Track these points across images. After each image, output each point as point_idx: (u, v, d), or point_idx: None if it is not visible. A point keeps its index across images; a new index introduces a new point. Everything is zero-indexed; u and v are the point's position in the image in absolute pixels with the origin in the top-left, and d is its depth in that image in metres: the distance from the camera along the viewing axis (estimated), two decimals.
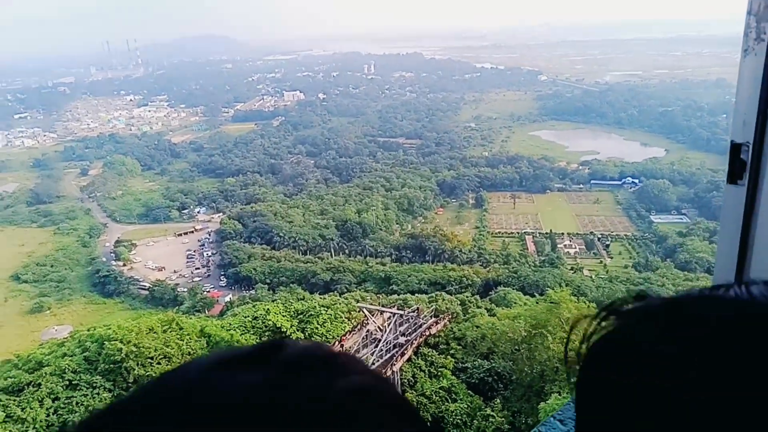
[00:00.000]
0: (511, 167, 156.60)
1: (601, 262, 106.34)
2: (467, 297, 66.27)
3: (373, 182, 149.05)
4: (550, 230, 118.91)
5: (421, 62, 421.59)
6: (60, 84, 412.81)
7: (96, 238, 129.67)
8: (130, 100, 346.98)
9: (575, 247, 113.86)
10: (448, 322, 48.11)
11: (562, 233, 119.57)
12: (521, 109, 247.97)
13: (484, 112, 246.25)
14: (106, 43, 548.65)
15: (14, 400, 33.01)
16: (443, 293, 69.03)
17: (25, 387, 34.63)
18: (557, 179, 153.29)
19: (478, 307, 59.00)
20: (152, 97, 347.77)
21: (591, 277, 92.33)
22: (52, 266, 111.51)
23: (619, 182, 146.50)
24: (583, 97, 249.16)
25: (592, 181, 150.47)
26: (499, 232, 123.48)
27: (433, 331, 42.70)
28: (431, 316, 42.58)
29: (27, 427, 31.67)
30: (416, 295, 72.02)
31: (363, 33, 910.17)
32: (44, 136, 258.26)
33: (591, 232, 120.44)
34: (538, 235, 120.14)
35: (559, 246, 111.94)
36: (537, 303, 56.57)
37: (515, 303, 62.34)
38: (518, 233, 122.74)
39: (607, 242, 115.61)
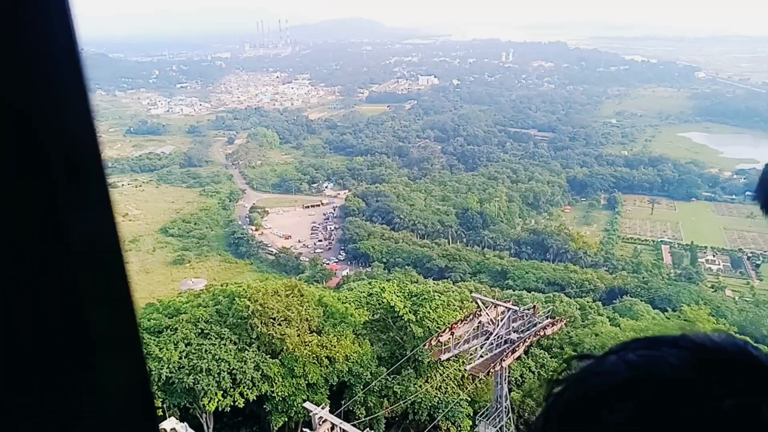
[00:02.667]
0: (653, 169, 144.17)
1: (748, 283, 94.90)
2: (588, 302, 62.64)
3: (498, 172, 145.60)
4: (691, 242, 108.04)
5: (564, 52, 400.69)
6: (218, 58, 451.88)
7: (234, 203, 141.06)
8: (277, 77, 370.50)
9: (719, 264, 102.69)
10: (564, 326, 45.79)
11: (705, 247, 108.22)
12: (672, 107, 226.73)
13: (628, 108, 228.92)
14: (261, 22, 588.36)
15: (154, 340, 37.20)
16: (562, 295, 65.90)
17: (164, 330, 38.88)
18: (706, 187, 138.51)
19: (600, 315, 55.55)
20: (296, 75, 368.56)
21: (734, 298, 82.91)
22: (195, 224, 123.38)
23: None
24: (746, 99, 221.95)
25: (747, 193, 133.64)
26: (632, 238, 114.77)
27: (548, 332, 40.82)
28: (547, 317, 40.74)
29: (162, 365, 35.58)
30: (532, 293, 69.54)
31: (505, 19, 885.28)
32: (200, 105, 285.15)
33: (740, 249, 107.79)
34: (676, 245, 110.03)
35: (699, 260, 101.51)
36: (668, 319, 52.05)
37: (642, 315, 57.91)
38: (653, 241, 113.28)
39: (758, 262, 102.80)
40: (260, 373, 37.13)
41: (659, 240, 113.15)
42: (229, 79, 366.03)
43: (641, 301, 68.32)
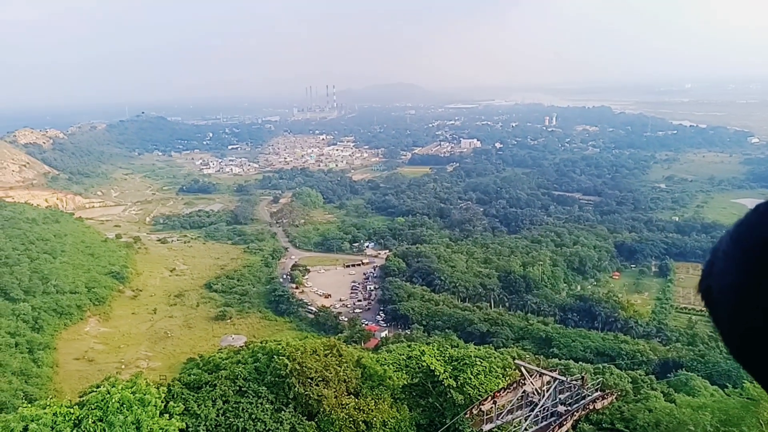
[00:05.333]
0: (706, 236, 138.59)
1: None
2: (640, 375, 59.21)
3: (542, 236, 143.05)
4: None
5: (609, 116, 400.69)
6: (267, 122, 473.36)
7: (277, 260, 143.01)
8: (322, 138, 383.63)
9: None
10: (615, 400, 43.20)
11: None
12: (723, 172, 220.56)
13: (678, 172, 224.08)
14: (309, 88, 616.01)
15: (192, 396, 37.07)
16: (612, 366, 62.56)
17: (203, 386, 38.76)
18: None
19: (653, 389, 52.24)
20: (341, 137, 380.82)
21: None
22: (238, 280, 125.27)
23: None
24: None
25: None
26: (686, 308, 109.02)
27: (598, 406, 38.53)
28: (596, 389, 38.53)
29: (199, 422, 35.22)
30: (580, 363, 66.42)
31: (548, 84, 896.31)
32: (249, 165, 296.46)
33: None
34: None
35: None
36: (728, 396, 48.45)
37: (699, 392, 54.01)
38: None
39: None
40: None
41: None
42: (277, 141, 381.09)
43: (698, 375, 63.98)
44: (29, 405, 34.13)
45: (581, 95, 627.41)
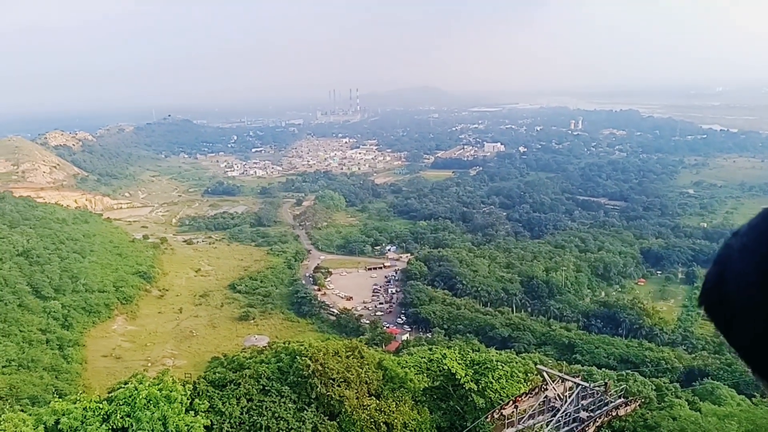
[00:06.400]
0: None
1: None
2: (664, 383, 58.24)
3: (566, 241, 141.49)
4: None
5: (636, 120, 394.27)
6: (291, 125, 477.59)
7: (299, 262, 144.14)
8: (345, 142, 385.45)
9: None
10: (638, 407, 42.70)
11: None
12: (755, 178, 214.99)
13: (707, 178, 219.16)
14: (333, 91, 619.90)
15: (217, 394, 37.79)
16: (636, 373, 61.62)
17: (228, 384, 39.46)
18: None
19: (678, 397, 51.38)
20: (364, 140, 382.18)
21: None
22: (261, 282, 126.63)
23: None
24: None
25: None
26: None
27: (621, 413, 38.18)
28: (619, 396, 38.14)
29: (224, 420, 35.88)
30: (603, 369, 65.65)
31: (574, 88, 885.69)
32: (272, 168, 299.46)
33: None
34: None
35: None
36: (756, 405, 47.47)
37: (725, 401, 52.93)
38: None
39: None
40: None
41: None
42: (300, 144, 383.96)
43: (724, 384, 62.65)
44: (60, 399, 35.25)
45: (608, 98, 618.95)
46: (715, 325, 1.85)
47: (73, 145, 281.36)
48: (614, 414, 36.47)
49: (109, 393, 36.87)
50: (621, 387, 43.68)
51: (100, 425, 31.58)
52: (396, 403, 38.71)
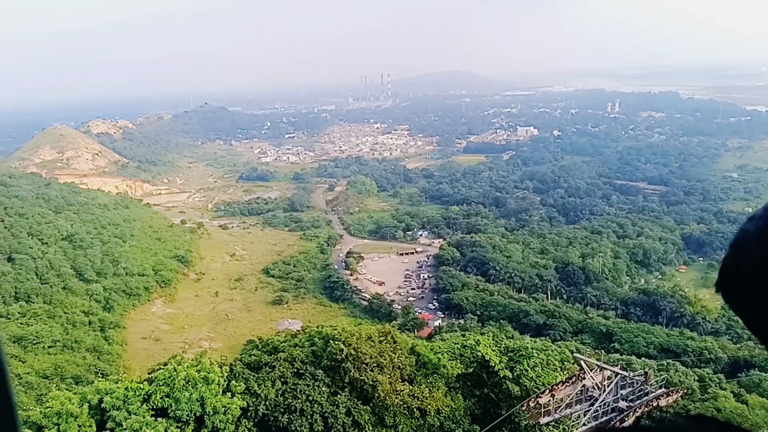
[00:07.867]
0: None
1: None
2: (708, 374, 56.58)
3: (603, 226, 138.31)
4: None
5: (676, 102, 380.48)
6: (323, 111, 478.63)
7: (332, 247, 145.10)
8: (377, 127, 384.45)
9: None
10: (680, 398, 41.46)
11: None
12: None
13: (751, 161, 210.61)
14: (364, 77, 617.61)
15: (253, 376, 38.31)
16: (677, 363, 59.99)
17: (263, 366, 39.96)
18: None
19: (722, 389, 49.83)
20: (396, 126, 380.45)
21: None
22: (294, 266, 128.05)
23: None
24: None
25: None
26: None
27: (662, 403, 37.01)
28: (660, 386, 37.01)
29: (259, 402, 36.37)
30: (642, 358, 64.17)
31: (610, 69, 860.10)
32: (305, 154, 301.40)
33: None
34: None
35: None
36: None
37: None
38: None
39: None
40: (351, 419, 36.80)
41: None
42: (332, 130, 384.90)
43: None
44: (103, 379, 36.30)
45: (646, 80, 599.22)
46: (733, 310, 1.85)
47: (114, 132, 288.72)
48: (655, 404, 35.38)
49: (149, 374, 37.78)
50: (662, 377, 42.41)
51: (141, 405, 32.38)
52: (429, 389, 38.51)
